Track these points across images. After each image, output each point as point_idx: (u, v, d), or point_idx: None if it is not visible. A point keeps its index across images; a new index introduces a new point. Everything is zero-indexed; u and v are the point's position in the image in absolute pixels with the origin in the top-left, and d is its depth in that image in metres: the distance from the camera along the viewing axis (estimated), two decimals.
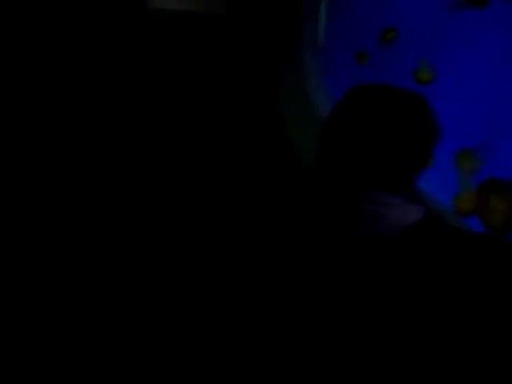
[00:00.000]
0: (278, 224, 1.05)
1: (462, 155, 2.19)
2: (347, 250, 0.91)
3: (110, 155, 3.11)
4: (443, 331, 0.83)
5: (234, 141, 3.24)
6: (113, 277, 2.10)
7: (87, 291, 2.02)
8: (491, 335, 0.80)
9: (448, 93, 2.35)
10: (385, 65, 2.84)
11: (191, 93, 3.53)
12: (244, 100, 3.43)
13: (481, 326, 0.80)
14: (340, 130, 0.99)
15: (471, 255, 0.87)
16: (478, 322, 0.80)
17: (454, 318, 0.82)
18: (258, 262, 1.03)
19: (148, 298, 1.91)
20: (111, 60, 3.55)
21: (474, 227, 1.98)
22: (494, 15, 2.07)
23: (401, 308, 0.86)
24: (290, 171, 2.66)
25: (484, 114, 2.16)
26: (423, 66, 2.53)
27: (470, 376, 0.80)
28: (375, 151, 0.94)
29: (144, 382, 1.54)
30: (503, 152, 2.03)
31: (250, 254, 1.05)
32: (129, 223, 2.59)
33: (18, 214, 2.58)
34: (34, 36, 3.36)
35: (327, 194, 0.96)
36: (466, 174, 2.13)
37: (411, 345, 0.84)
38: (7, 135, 3.01)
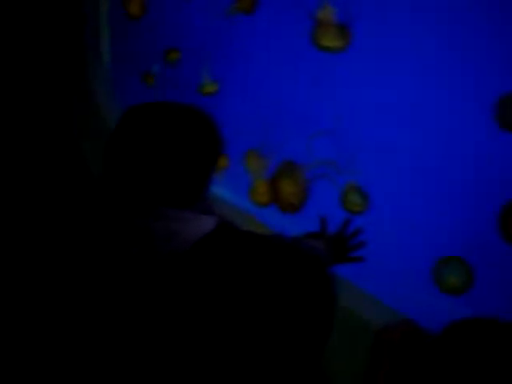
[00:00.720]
0: (71, 243, 1.00)
1: (249, 155, 2.35)
2: (146, 270, 0.91)
3: None
4: (238, 321, 0.91)
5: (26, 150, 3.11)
6: None
7: None
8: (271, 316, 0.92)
9: (232, 99, 2.51)
10: (171, 84, 2.93)
11: None
12: (36, 112, 3.30)
13: (264, 310, 0.91)
14: (120, 149, 0.98)
15: (253, 256, 0.94)
16: (261, 308, 0.91)
17: (244, 309, 0.91)
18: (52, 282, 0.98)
19: None
20: None
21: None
22: (261, 21, 2.30)
23: (199, 316, 0.90)
24: (83, 185, 2.59)
25: (261, 114, 2.36)
26: (205, 80, 2.67)
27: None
28: (156, 169, 0.94)
29: None
30: (287, 148, 2.23)
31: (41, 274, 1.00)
32: None
33: None
34: None
35: (119, 214, 0.95)
36: (255, 171, 2.29)
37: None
38: None
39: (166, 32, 3.02)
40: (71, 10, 3.34)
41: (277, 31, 2.23)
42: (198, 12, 2.73)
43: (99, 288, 0.94)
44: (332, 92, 2.08)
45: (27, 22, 3.33)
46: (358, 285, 2.07)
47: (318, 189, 2.09)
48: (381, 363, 0.86)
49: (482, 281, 1.82)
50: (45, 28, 3.33)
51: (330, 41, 1.84)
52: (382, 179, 2.00)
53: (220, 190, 2.47)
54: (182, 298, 0.91)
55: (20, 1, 3.34)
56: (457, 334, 0.82)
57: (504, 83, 1.58)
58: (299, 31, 1.97)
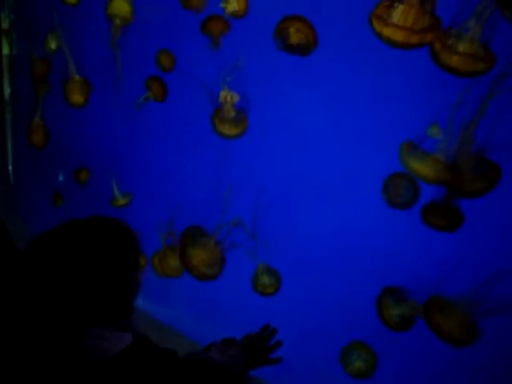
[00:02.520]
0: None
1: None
2: (69, 379, 1.00)
3: None
4: None
5: None
6: None
7: None
8: None
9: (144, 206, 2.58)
10: (82, 202, 2.95)
11: None
12: None
13: None
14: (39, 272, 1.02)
15: (158, 371, 1.06)
16: None
17: None
18: None
19: None
20: None
21: None
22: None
23: None
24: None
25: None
26: (116, 194, 2.74)
27: None
28: (73, 293, 1.01)
29: None
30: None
31: None
32: None
33: None
34: None
35: (48, 330, 1.02)
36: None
37: None
38: None
39: (70, 155, 3.10)
40: None
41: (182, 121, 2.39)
42: (101, 128, 2.86)
43: None
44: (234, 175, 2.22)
45: None
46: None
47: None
48: None
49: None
50: None
51: (228, 129, 2.03)
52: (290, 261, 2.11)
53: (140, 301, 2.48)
54: None
55: None
56: None
57: (388, 162, 1.79)
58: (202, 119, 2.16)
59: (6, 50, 3.33)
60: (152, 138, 2.53)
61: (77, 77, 2.82)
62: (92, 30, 2.70)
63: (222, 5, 1.98)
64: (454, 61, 1.55)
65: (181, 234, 2.21)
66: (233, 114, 2.01)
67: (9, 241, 3.05)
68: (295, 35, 1.76)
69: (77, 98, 2.85)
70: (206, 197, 2.28)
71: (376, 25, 1.60)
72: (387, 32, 1.59)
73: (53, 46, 3.01)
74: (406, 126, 1.76)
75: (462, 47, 1.54)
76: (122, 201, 2.68)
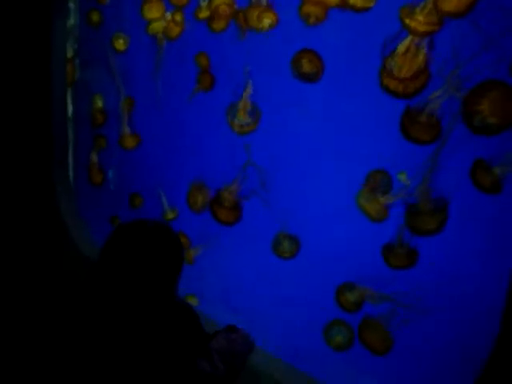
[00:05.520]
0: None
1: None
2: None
3: None
4: None
5: None
6: None
7: None
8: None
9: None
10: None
11: None
12: None
13: None
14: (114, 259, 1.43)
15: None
16: None
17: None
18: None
19: None
20: None
21: None
22: None
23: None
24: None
25: None
26: (166, 208, 3.33)
27: None
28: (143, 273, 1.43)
29: None
30: None
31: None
32: None
33: None
34: None
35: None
36: None
37: None
38: None
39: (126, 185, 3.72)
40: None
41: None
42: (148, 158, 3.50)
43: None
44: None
45: None
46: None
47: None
48: None
49: None
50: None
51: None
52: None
53: None
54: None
55: None
56: None
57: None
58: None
59: (69, 79, 3.79)
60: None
61: (128, 132, 3.49)
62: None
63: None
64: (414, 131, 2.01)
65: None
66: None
67: None
68: (308, 65, 2.35)
69: (129, 144, 3.54)
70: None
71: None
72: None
73: (99, 103, 3.69)
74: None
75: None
76: (171, 215, 3.25)
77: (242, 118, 2.65)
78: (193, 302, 3.06)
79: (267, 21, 2.49)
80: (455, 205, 2.03)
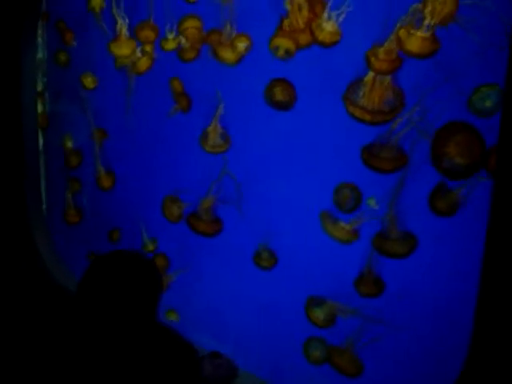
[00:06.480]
0: None
1: None
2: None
3: None
4: None
5: None
6: None
7: None
8: None
9: None
10: None
11: None
12: None
13: None
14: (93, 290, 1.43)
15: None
16: None
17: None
18: None
19: None
20: None
21: None
22: None
23: None
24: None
25: None
26: (145, 240, 3.30)
27: None
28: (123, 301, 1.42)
29: None
30: None
31: None
32: None
33: None
34: None
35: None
36: None
37: None
38: None
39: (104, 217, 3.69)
40: None
41: None
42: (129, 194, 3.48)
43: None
44: None
45: None
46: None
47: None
48: None
49: None
50: None
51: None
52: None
53: None
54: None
55: None
56: None
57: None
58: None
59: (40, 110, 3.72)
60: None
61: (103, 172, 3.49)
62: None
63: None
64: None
65: None
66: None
67: None
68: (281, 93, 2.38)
69: (106, 184, 3.53)
70: None
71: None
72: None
73: (69, 144, 3.69)
74: None
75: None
76: (151, 246, 3.22)
77: (213, 140, 2.71)
78: (172, 317, 3.06)
79: (242, 44, 2.52)
80: (419, 229, 2.13)
